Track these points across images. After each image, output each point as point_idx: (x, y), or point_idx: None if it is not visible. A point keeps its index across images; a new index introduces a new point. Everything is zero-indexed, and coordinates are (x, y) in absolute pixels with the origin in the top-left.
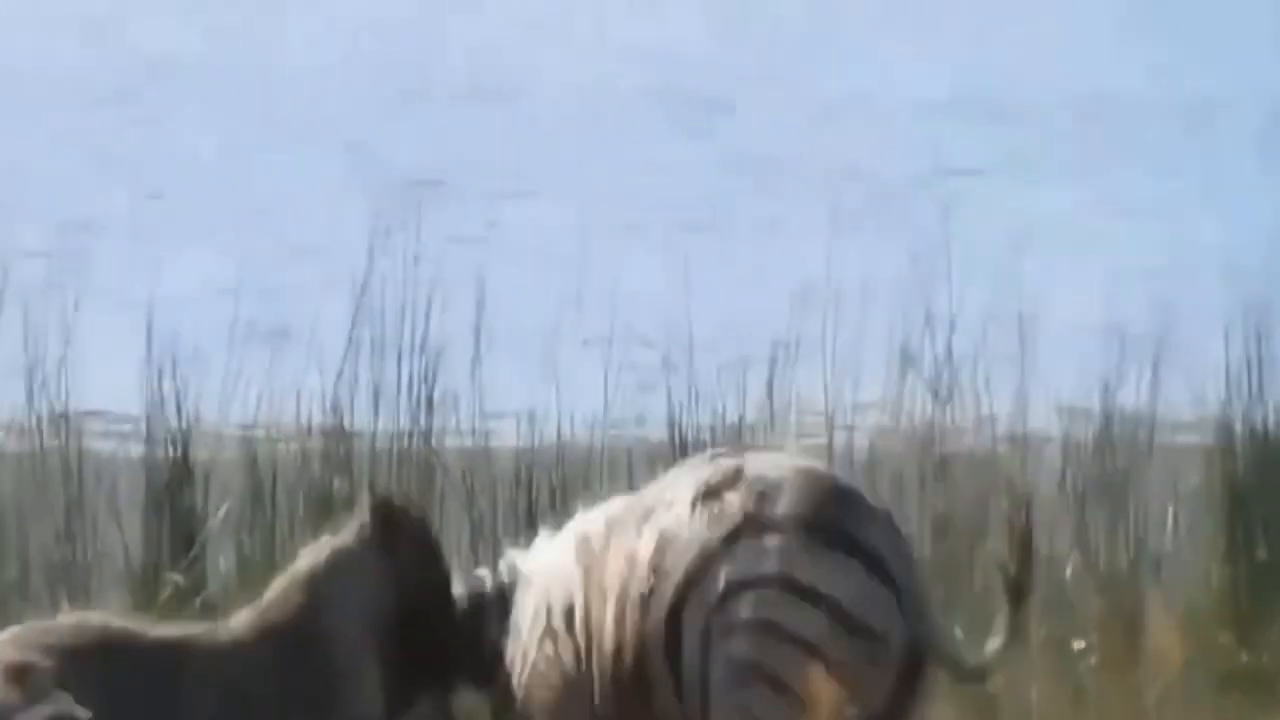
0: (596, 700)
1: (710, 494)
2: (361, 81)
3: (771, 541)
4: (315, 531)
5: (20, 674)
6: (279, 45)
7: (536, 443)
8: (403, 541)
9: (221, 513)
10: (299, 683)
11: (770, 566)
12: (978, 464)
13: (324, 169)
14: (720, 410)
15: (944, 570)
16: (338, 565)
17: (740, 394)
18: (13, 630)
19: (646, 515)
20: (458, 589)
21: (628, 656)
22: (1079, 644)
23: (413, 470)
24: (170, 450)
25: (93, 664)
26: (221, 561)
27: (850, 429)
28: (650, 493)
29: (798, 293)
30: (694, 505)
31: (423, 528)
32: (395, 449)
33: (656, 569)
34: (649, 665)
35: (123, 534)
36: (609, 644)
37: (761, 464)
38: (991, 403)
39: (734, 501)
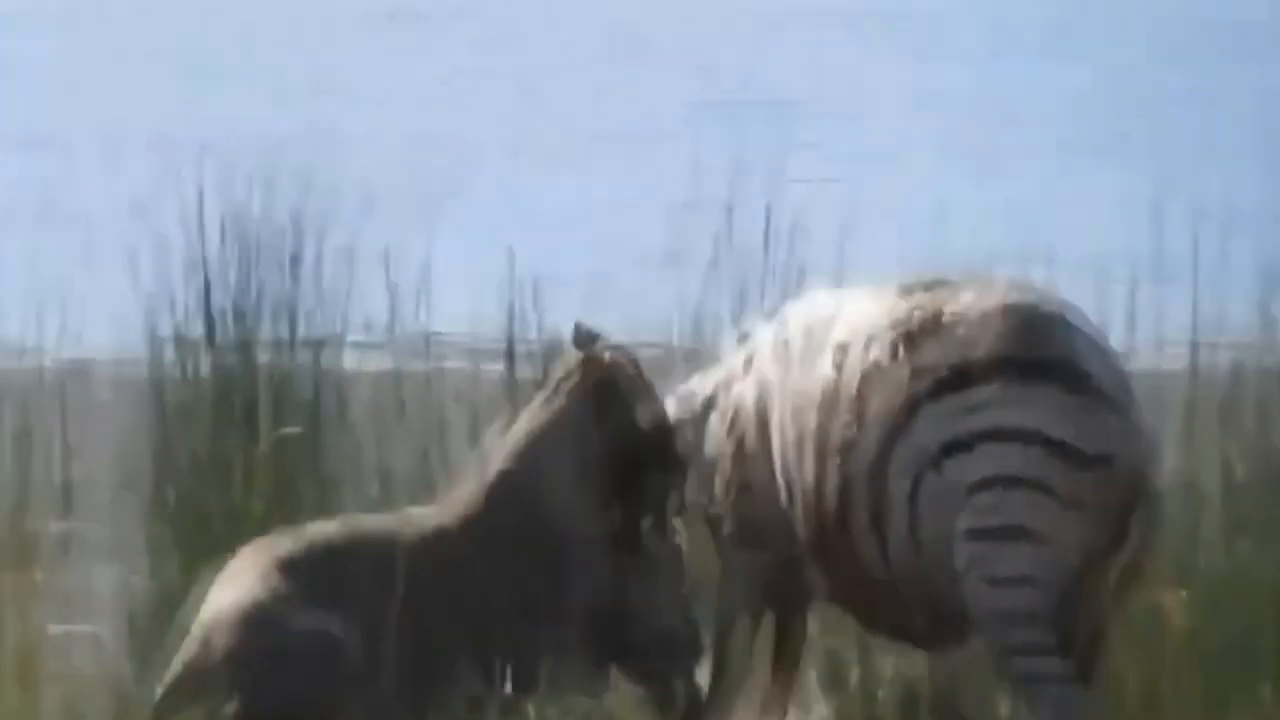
0: (800, 532)
1: (911, 340)
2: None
3: (980, 394)
4: None
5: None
6: None
7: None
8: (612, 393)
9: None
10: (526, 558)
11: (982, 421)
12: None
13: (680, 92)
14: None
15: None
16: (551, 430)
17: (1103, 312)
18: (251, 546)
19: (844, 349)
20: (671, 409)
21: (830, 503)
22: None
23: None
24: (529, 370)
25: (337, 568)
26: None
27: (1215, 348)
28: (834, 310)
29: (1164, 211)
30: (894, 350)
31: (631, 372)
32: None
33: (860, 416)
34: (852, 519)
35: (480, 453)
36: (810, 480)
37: (960, 304)
38: None
39: (936, 351)
